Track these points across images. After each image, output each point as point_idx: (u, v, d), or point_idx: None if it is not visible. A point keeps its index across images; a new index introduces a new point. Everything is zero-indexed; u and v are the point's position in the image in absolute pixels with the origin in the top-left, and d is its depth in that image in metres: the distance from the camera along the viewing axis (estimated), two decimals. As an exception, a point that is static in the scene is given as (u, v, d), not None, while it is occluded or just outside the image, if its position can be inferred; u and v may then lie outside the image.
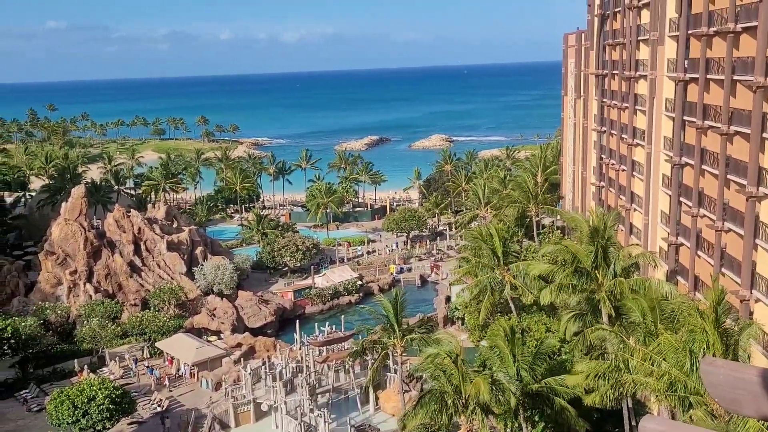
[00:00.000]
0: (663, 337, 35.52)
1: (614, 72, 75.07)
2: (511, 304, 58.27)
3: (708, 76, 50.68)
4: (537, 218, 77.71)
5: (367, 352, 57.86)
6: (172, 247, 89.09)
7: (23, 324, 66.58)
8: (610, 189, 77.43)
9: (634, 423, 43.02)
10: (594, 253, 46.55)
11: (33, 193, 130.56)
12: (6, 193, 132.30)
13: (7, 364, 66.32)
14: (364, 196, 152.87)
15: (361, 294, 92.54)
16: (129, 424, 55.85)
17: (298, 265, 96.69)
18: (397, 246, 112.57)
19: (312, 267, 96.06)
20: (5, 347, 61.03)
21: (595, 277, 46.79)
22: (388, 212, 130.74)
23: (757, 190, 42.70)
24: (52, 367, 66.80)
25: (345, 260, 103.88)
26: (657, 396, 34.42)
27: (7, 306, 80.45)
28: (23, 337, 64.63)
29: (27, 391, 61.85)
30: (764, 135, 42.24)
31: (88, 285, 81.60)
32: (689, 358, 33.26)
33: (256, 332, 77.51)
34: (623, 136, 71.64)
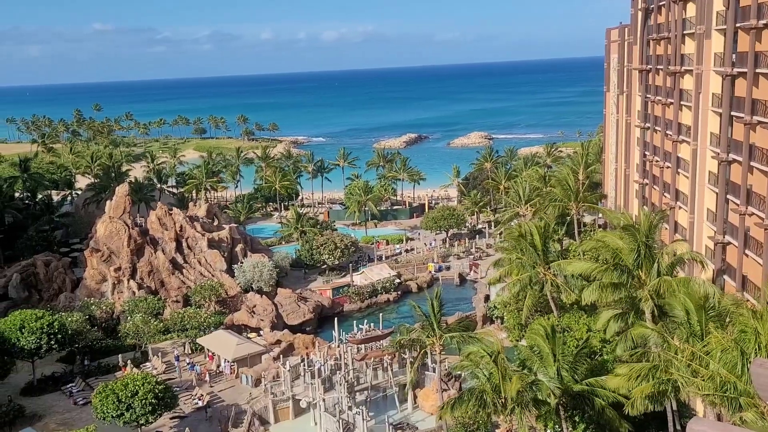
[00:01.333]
0: (712, 336, 34.55)
1: (659, 67, 73.44)
2: (552, 303, 57.47)
3: (757, 70, 49.15)
4: (578, 216, 76.46)
5: (406, 350, 57.71)
6: (212, 244, 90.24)
7: (70, 319, 68.14)
8: (654, 187, 75.79)
9: (678, 426, 41.98)
10: (636, 250, 45.57)
11: (79, 192, 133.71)
12: (54, 192, 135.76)
13: (55, 358, 67.97)
14: (402, 194, 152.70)
15: (399, 292, 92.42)
16: (171, 418, 56.70)
17: (337, 263, 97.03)
18: (433, 242, 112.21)
19: (350, 265, 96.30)
20: (53, 342, 62.52)
21: (637, 275, 45.80)
22: (426, 210, 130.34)
23: (810, 187, 41.27)
24: (97, 362, 68.23)
25: (383, 258, 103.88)
26: (705, 397, 33.49)
27: (54, 302, 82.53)
28: (70, 332, 66.15)
29: (73, 384, 63.29)
30: (817, 130, 40.80)
31: (131, 281, 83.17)
32: (741, 359, 32.27)
33: (295, 329, 78.02)
34: (668, 132, 70.05)
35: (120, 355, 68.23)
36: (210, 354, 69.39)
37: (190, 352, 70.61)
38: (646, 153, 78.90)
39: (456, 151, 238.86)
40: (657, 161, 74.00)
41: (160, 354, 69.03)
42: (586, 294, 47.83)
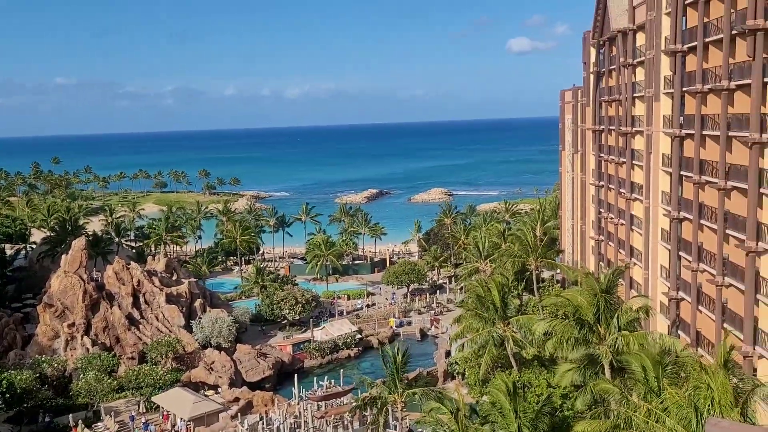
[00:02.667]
0: (667, 393, 35.11)
1: (611, 127, 76.17)
2: (512, 359, 57.73)
3: (704, 132, 51.45)
4: (537, 272, 77.59)
5: (367, 407, 57.03)
6: (171, 299, 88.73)
7: (18, 378, 65.79)
8: (610, 243, 77.60)
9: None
10: (596, 305, 46.41)
11: (34, 245, 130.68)
12: (7, 245, 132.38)
13: (2, 418, 65.28)
14: (363, 249, 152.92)
15: (360, 348, 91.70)
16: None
17: (297, 318, 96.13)
18: (394, 296, 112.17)
19: (311, 320, 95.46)
20: (0, 401, 60.14)
21: (597, 330, 46.51)
22: (387, 265, 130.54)
23: (757, 245, 42.87)
24: (46, 422, 65.70)
25: (344, 313, 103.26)
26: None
27: (3, 359, 79.55)
28: (18, 391, 63.78)
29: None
30: (762, 190, 42.66)
31: (85, 338, 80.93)
32: (695, 415, 32.81)
33: (254, 386, 76.51)
34: (621, 190, 72.22)
35: (71, 415, 65.84)
36: (165, 413, 67.50)
37: (144, 411, 68.58)
38: (601, 210, 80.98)
39: (417, 206, 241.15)
40: (611, 218, 75.97)
41: (113, 413, 66.88)
42: (548, 348, 48.34)
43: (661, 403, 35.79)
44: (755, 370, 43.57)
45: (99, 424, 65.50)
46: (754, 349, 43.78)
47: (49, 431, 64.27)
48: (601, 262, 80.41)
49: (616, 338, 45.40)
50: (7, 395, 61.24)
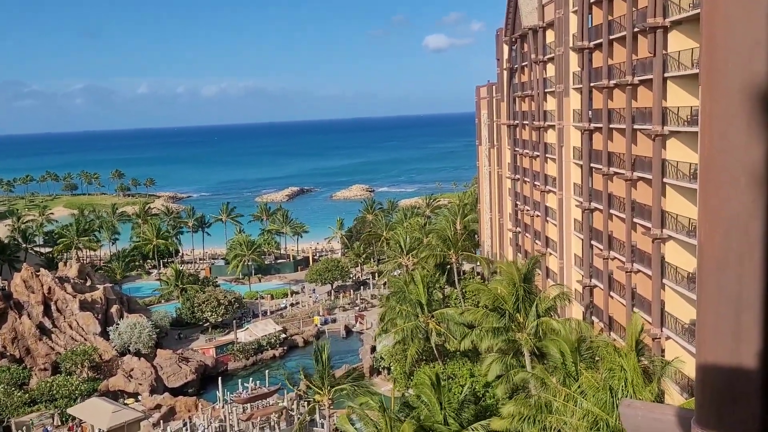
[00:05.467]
0: (584, 377, 36.55)
1: (524, 122, 78.38)
2: (436, 351, 58.67)
3: (611, 126, 53.72)
4: (458, 265, 79.06)
5: (295, 405, 56.76)
6: (85, 306, 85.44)
7: None
8: (526, 234, 79.94)
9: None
10: (515, 295, 47.75)
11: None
12: None
13: None
14: (286, 248, 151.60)
15: (285, 347, 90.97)
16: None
17: (220, 320, 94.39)
18: (314, 293, 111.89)
19: (234, 322, 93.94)
20: None
21: (516, 319, 47.88)
22: (311, 263, 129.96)
23: (662, 232, 45.12)
24: None
25: (268, 313, 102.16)
26: (580, 435, 35.14)
27: None
28: None
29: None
30: (665, 180, 44.91)
31: (-7, 350, 76.91)
32: (610, 397, 34.30)
33: (176, 392, 74.72)
34: (536, 183, 74.48)
35: (-21, 433, 62.57)
36: (71, 425, 64.93)
37: (60, 423, 65.83)
38: (518, 203, 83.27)
39: (338, 203, 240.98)
40: (527, 210, 78.27)
41: (24, 428, 63.86)
42: (468, 340, 49.41)
43: (579, 386, 37.22)
44: (663, 350, 45.91)
45: (10, 440, 62.45)
46: (661, 331, 46.11)
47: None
48: (518, 253, 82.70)
49: (536, 325, 46.90)
50: None
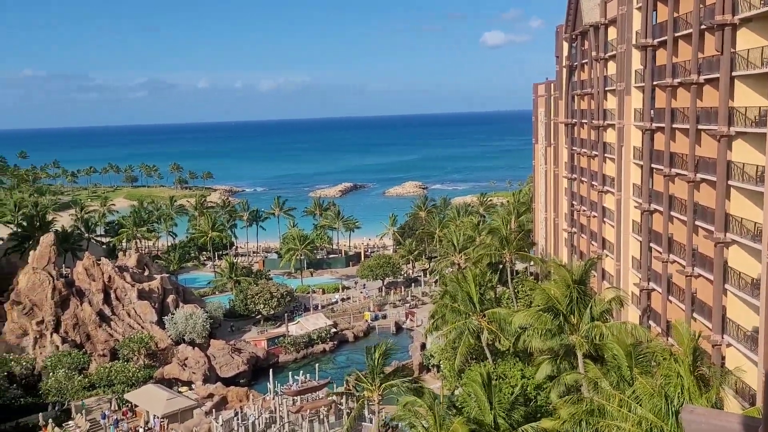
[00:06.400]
0: (638, 382, 35.61)
1: (583, 121, 76.84)
2: (487, 351, 58.09)
3: (674, 126, 52.13)
4: (511, 264, 78.11)
5: (343, 401, 57.06)
6: (143, 295, 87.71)
7: (-14, 376, 64.60)
8: (582, 235, 78.40)
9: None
10: (569, 296, 46.84)
11: (1, 241, 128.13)
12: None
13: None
14: (338, 243, 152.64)
15: (335, 342, 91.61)
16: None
17: (272, 312, 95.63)
18: (364, 288, 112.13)
19: (286, 315, 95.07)
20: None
21: (570, 321, 46.96)
22: (362, 259, 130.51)
23: (725, 235, 43.58)
24: (15, 422, 64.58)
25: (319, 307, 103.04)
26: (634, 442, 34.26)
27: (-30, 358, 78.06)
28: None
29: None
30: (729, 182, 43.34)
31: (55, 335, 79.66)
32: (665, 403, 33.34)
33: (228, 382, 76.05)
34: (593, 183, 72.95)
35: (41, 414, 64.78)
36: (125, 409, 66.72)
37: (116, 408, 67.76)
38: (574, 203, 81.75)
39: (391, 200, 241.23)
40: (584, 210, 76.75)
41: (84, 412, 65.96)
42: (521, 340, 48.69)
43: (633, 392, 36.31)
44: (723, 358, 44.38)
45: (70, 422, 64.56)
46: (722, 338, 44.57)
47: (18, 430, 63.16)
48: (573, 254, 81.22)
49: (590, 328, 45.89)
50: (-25, 394, 60.06)
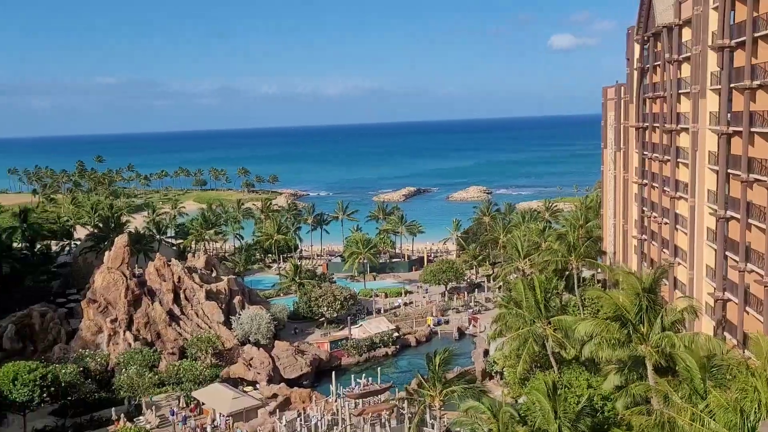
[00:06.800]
0: (712, 396, 34.22)
1: (655, 125, 74.62)
2: (552, 359, 56.96)
3: (752, 129, 49.99)
4: (577, 271, 76.42)
5: (405, 405, 56.93)
6: (210, 296, 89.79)
7: (63, 371, 67.27)
8: (653, 242, 76.05)
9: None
10: (639, 305, 45.44)
11: (78, 242, 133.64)
12: (52, 242, 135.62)
13: (47, 411, 66.82)
14: (401, 247, 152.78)
15: (397, 346, 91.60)
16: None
17: (335, 315, 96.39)
18: (427, 293, 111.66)
19: (348, 318, 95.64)
20: (45, 395, 61.57)
21: (639, 330, 45.54)
22: (425, 263, 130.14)
23: (808, 244, 41.46)
24: (90, 415, 67.07)
25: (382, 311, 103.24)
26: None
27: (48, 353, 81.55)
28: (63, 384, 65.20)
29: (65, 438, 62.11)
30: (813, 188, 41.23)
31: (127, 333, 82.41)
32: (740, 419, 31.93)
33: (292, 383, 76.99)
34: (665, 188, 70.71)
35: (113, 409, 67.09)
36: (192, 406, 68.27)
37: (184, 405, 69.51)
38: (644, 209, 79.43)
39: (455, 204, 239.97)
40: (655, 217, 74.45)
41: (153, 408, 67.93)
42: (587, 350, 47.47)
43: (707, 405, 34.92)
44: (806, 374, 42.14)
45: (140, 418, 66.58)
46: (805, 353, 42.33)
47: (92, 424, 65.54)
48: (643, 262, 78.89)
49: (661, 339, 44.38)
50: (52, 389, 62.62)
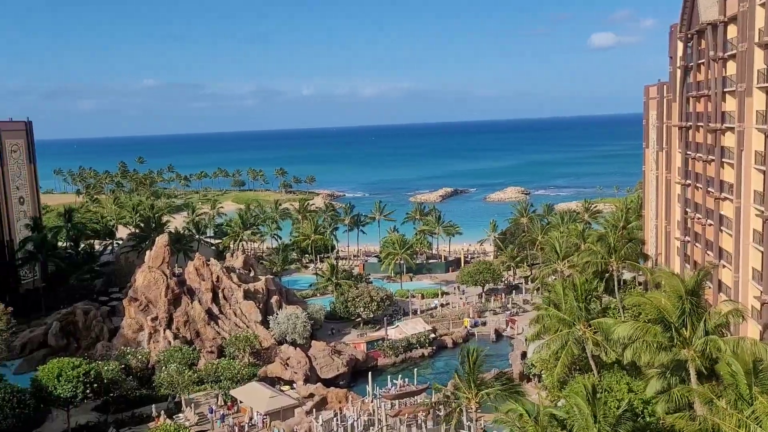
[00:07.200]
0: (759, 402, 33.25)
1: (699, 124, 72.95)
2: (592, 362, 56.03)
3: (801, 127, 48.47)
4: (618, 274, 75.08)
5: (441, 407, 56.57)
6: (248, 295, 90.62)
7: (105, 368, 68.56)
8: (696, 244, 74.37)
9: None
10: (681, 307, 44.38)
11: (120, 241, 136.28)
12: (95, 241, 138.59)
13: (90, 407, 68.18)
14: (438, 248, 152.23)
15: (434, 347, 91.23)
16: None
17: (371, 316, 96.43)
18: (463, 294, 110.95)
19: (385, 318, 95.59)
20: (88, 391, 62.85)
21: (682, 334, 44.49)
22: (462, 265, 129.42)
23: None
24: (131, 412, 68.22)
25: (418, 312, 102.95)
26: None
27: (91, 350, 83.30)
28: (105, 381, 66.46)
29: (106, 434, 63.28)
30: None
31: (167, 331, 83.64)
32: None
33: (328, 383, 77.22)
34: (710, 189, 69.08)
35: (153, 406, 68.16)
36: (230, 404, 68.94)
37: (222, 403, 70.25)
38: (688, 210, 77.74)
39: (492, 205, 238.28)
40: (699, 218, 72.79)
41: (193, 405, 68.79)
42: (628, 353, 46.55)
43: (753, 412, 33.96)
44: None
45: (180, 415, 67.47)
46: None
47: (133, 420, 66.65)
48: (687, 264, 77.20)
49: (705, 343, 43.27)
50: (95, 385, 63.86)
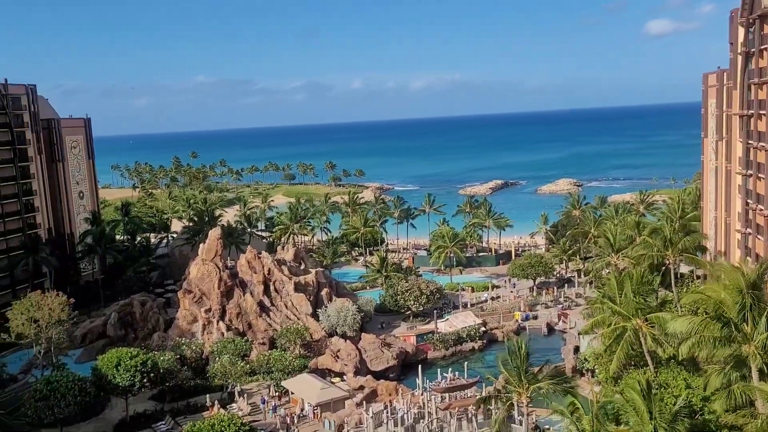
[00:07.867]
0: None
1: (761, 112, 70.23)
2: (648, 357, 54.70)
3: None
4: (675, 267, 73.03)
5: (492, 401, 56.04)
6: (299, 288, 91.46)
7: (161, 358, 70.18)
8: (758, 236, 71.75)
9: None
10: (741, 302, 42.86)
11: (174, 235, 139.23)
12: (151, 235, 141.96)
13: (147, 396, 69.94)
14: (488, 241, 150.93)
15: (484, 341, 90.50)
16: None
17: (421, 309, 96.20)
18: (514, 287, 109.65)
19: (435, 311, 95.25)
20: (145, 380, 64.50)
21: (743, 330, 42.98)
22: (513, 258, 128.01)
23: None
24: (186, 401, 69.68)
25: (468, 305, 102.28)
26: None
27: (148, 340, 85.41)
28: (161, 371, 68.04)
29: (162, 422, 64.79)
30: None
31: (220, 323, 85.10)
32: None
33: (378, 375, 77.38)
34: (772, 179, 66.45)
35: (208, 396, 69.47)
36: (278, 393, 69.70)
37: (274, 394, 71.12)
38: (749, 201, 75.03)
39: (544, 197, 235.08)
40: (761, 210, 70.17)
41: (245, 395, 69.84)
42: (684, 348, 45.24)
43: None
44: None
45: (233, 405, 68.59)
46: None
47: (188, 409, 68.07)
48: (748, 257, 74.55)
49: (767, 339, 41.71)
50: (152, 374, 65.45)
